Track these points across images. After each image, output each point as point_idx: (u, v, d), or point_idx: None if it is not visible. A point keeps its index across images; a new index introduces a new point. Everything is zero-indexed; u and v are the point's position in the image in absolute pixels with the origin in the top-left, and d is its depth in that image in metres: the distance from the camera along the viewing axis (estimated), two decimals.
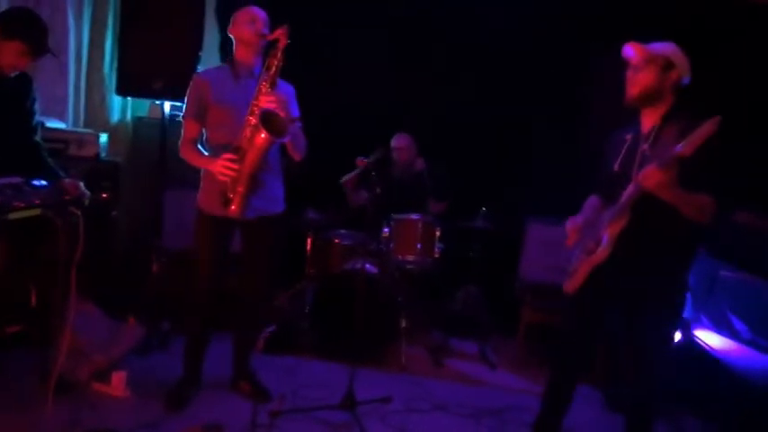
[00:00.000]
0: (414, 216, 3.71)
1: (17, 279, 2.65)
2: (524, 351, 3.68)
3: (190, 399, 2.72)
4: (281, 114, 2.42)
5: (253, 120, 2.42)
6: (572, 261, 2.35)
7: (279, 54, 2.43)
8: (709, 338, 2.93)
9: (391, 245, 3.69)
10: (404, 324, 3.41)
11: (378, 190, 3.19)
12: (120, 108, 4.11)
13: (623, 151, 2.24)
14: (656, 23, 3.46)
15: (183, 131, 2.63)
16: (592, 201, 2.43)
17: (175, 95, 3.43)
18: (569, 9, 4.02)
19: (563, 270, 2.39)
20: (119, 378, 2.74)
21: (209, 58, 3.97)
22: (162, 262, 3.55)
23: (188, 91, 2.61)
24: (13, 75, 2.54)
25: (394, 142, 4.06)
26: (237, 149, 2.44)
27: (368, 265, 3.37)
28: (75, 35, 3.76)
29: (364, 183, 3.61)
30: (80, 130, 3.71)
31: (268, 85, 2.43)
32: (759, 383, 2.52)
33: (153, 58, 3.43)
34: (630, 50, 2.16)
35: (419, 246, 3.66)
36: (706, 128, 1.87)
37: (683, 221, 2.03)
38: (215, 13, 4.25)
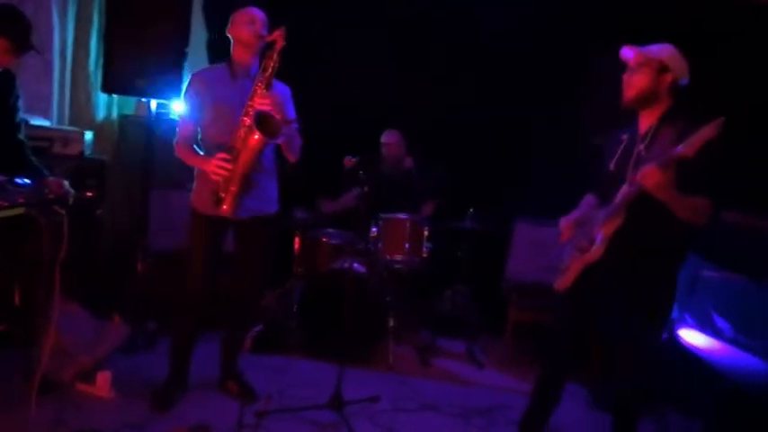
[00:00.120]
0: (402, 215, 3.71)
1: (0, 278, 2.61)
2: (512, 350, 3.70)
3: (176, 399, 2.70)
4: (276, 116, 2.42)
5: (247, 120, 2.42)
6: (564, 259, 2.37)
7: (275, 56, 2.42)
8: (693, 337, 2.97)
9: (379, 244, 3.69)
10: (392, 323, 3.42)
11: (365, 189, 3.19)
12: (105, 106, 4.07)
13: (619, 151, 2.26)
14: (655, 24, 3.50)
15: (178, 130, 2.62)
16: (588, 199, 2.45)
17: (162, 93, 3.41)
18: (565, 9, 4.04)
19: (553, 269, 2.40)
20: (103, 378, 2.72)
21: (195, 56, 3.95)
22: (147, 261, 3.52)
23: (185, 89, 2.61)
24: None
25: (384, 138, 4.08)
26: (231, 149, 2.44)
27: (356, 265, 3.37)
28: (60, 32, 3.72)
29: (352, 182, 3.61)
30: (65, 127, 3.67)
31: (263, 87, 2.43)
32: (741, 381, 2.55)
33: (139, 55, 3.39)
34: (627, 53, 2.18)
35: (407, 245, 3.66)
36: (708, 130, 1.88)
37: (677, 223, 2.05)
38: (202, 10, 4.23)
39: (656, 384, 2.40)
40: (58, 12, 3.68)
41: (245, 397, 2.76)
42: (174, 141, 2.62)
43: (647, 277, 2.16)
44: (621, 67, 2.22)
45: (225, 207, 2.46)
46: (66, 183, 2.51)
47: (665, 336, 2.96)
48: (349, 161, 3.25)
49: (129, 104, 4.13)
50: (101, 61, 3.72)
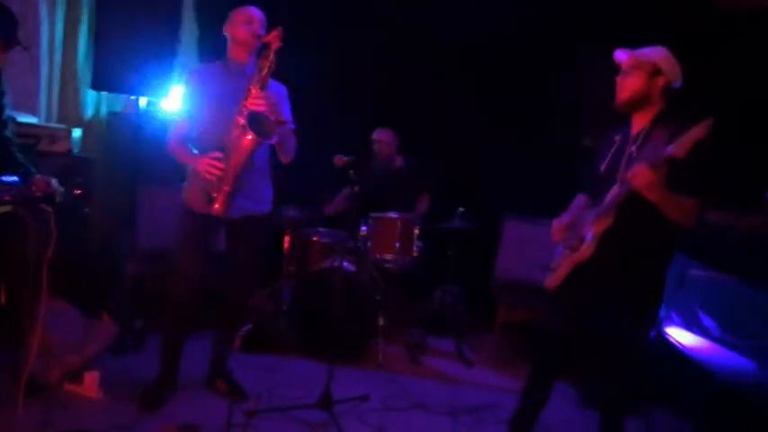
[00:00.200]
0: (393, 215, 3.71)
1: None
2: (501, 349, 3.71)
3: (165, 399, 2.69)
4: (269, 116, 2.42)
5: (241, 120, 2.41)
6: (555, 258, 2.38)
7: (271, 56, 2.42)
8: (680, 335, 2.99)
9: (369, 243, 3.69)
10: (381, 322, 3.42)
11: (356, 188, 3.19)
12: (94, 103, 4.04)
13: (611, 152, 2.28)
14: (642, 24, 3.52)
15: (172, 126, 2.62)
16: (579, 199, 2.47)
17: (152, 91, 3.39)
18: (556, 9, 4.06)
19: (542, 267, 2.42)
20: (91, 378, 2.70)
21: (186, 53, 3.93)
22: (136, 260, 3.50)
23: (181, 86, 2.60)
24: None
25: (375, 135, 4.08)
26: (224, 149, 2.44)
27: (346, 264, 3.37)
28: (48, 28, 3.68)
29: (344, 181, 3.61)
30: (53, 125, 3.64)
31: (258, 87, 2.42)
32: (727, 380, 2.58)
33: (129, 52, 3.37)
34: (620, 55, 2.19)
35: (398, 244, 3.66)
36: (697, 130, 1.90)
37: (666, 223, 2.07)
38: (193, 6, 4.20)
39: (643, 383, 2.42)
40: (46, 7, 3.64)
41: (234, 396, 2.75)
42: (168, 138, 2.60)
43: (635, 276, 2.18)
44: (613, 68, 2.24)
45: (217, 206, 2.46)
46: (53, 180, 2.49)
47: (652, 334, 2.98)
48: (340, 160, 3.24)
49: (118, 102, 4.09)
50: (90, 58, 3.70)
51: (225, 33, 2.58)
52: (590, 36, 3.87)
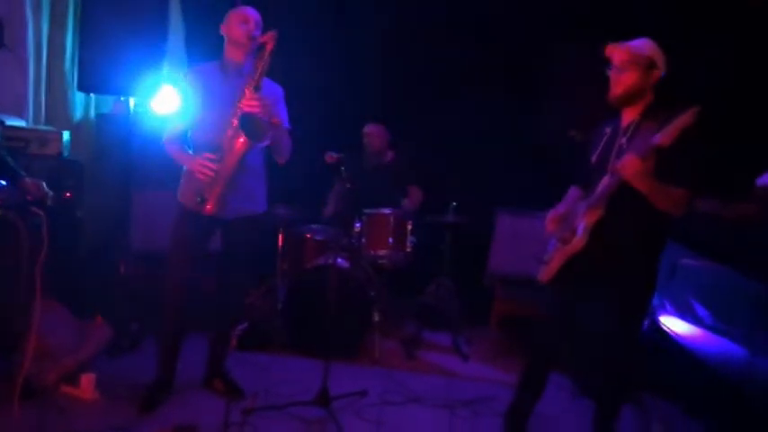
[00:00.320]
0: (386, 210, 3.72)
1: None
2: (496, 342, 3.73)
3: (162, 401, 2.68)
4: (263, 118, 2.41)
5: (235, 122, 2.41)
6: (548, 250, 2.40)
7: (266, 57, 2.42)
8: (673, 324, 3.02)
9: (363, 239, 3.70)
10: (377, 318, 3.43)
11: (348, 185, 3.19)
12: (82, 105, 4.01)
13: (602, 144, 2.29)
14: (628, 18, 3.54)
15: (168, 125, 2.63)
16: (572, 192, 2.48)
17: (140, 91, 3.37)
18: (543, 2, 4.06)
19: (536, 260, 2.43)
20: (87, 380, 2.69)
21: (174, 53, 3.91)
22: (129, 262, 3.49)
23: (171, 86, 2.60)
24: None
25: (366, 128, 4.09)
26: (218, 150, 2.44)
27: (340, 260, 3.37)
28: (34, 29, 3.64)
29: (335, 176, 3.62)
30: (41, 127, 3.60)
31: (252, 88, 2.42)
32: (720, 367, 2.61)
33: (115, 52, 3.34)
34: (613, 51, 2.19)
35: (391, 240, 3.67)
36: (684, 118, 1.92)
37: (656, 213, 2.09)
38: (180, 6, 4.18)
39: (637, 372, 2.44)
40: (31, 7, 3.60)
41: (231, 395, 2.75)
42: (164, 137, 2.61)
43: (628, 266, 2.20)
44: (602, 61, 2.24)
45: (208, 207, 2.47)
46: (43, 184, 2.48)
47: (646, 323, 3.01)
48: (331, 157, 3.25)
49: (107, 103, 4.07)
50: (77, 59, 3.67)
51: (222, 33, 2.58)
52: (579, 30, 3.88)
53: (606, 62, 2.23)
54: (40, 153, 3.33)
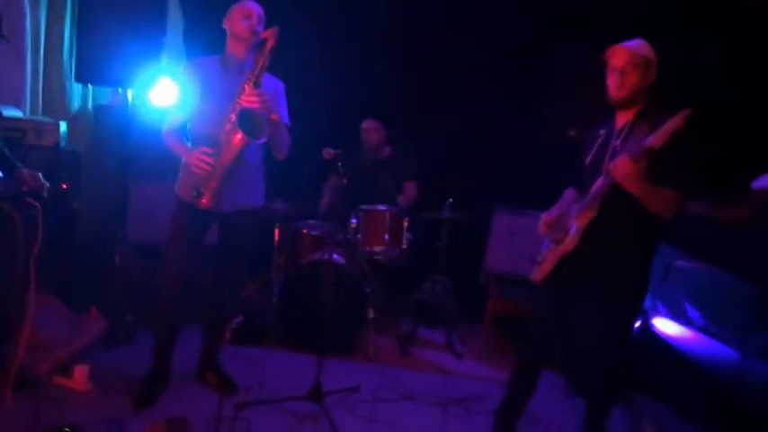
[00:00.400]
0: (382, 207, 3.72)
1: None
2: (491, 340, 3.75)
3: (159, 395, 2.68)
4: (262, 115, 2.41)
5: (233, 117, 2.41)
6: (541, 251, 2.41)
7: (266, 53, 2.41)
8: (665, 325, 3.04)
9: (359, 236, 3.70)
10: (371, 314, 3.43)
11: (344, 181, 3.19)
12: (80, 96, 4.00)
13: (596, 146, 2.30)
14: (626, 18, 3.53)
15: (168, 117, 2.62)
16: (568, 194, 2.49)
17: (138, 83, 3.36)
18: (529, 2, 4.06)
19: (531, 261, 2.44)
20: (81, 372, 2.70)
21: (172, 45, 3.89)
22: (126, 254, 3.49)
23: (170, 78, 2.59)
24: None
25: (364, 124, 4.10)
26: (215, 144, 2.44)
27: (335, 256, 3.37)
28: (32, 19, 3.63)
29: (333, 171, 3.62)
30: (38, 118, 3.60)
31: (251, 84, 2.41)
32: (711, 369, 2.62)
33: (113, 44, 3.33)
34: (614, 54, 2.18)
35: (387, 237, 3.68)
36: (675, 121, 1.93)
37: (648, 215, 2.10)
38: None
39: (628, 372, 2.46)
40: None
41: (224, 389, 2.77)
42: (164, 128, 2.61)
43: (620, 268, 2.21)
44: (601, 61, 2.24)
45: (204, 201, 2.46)
46: (40, 175, 2.48)
47: (639, 324, 3.02)
48: (328, 153, 3.25)
49: (105, 94, 4.06)
50: (75, 50, 3.65)
51: (224, 27, 2.57)
52: (578, 29, 3.88)
53: (603, 64, 2.23)
54: (36, 144, 3.33)
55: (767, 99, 3.45)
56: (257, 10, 2.54)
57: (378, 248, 3.69)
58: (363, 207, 3.72)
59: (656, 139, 1.95)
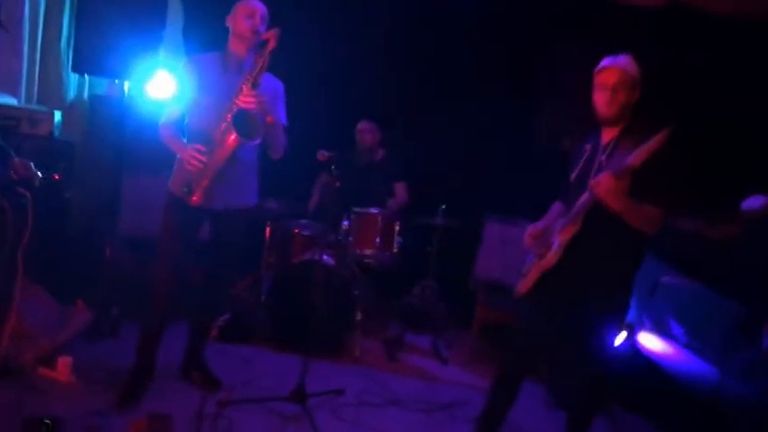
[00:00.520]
0: (374, 210, 3.73)
1: None
2: (477, 348, 3.75)
3: (144, 392, 2.65)
4: (258, 116, 2.41)
5: (229, 117, 2.41)
6: (526, 263, 2.42)
7: (266, 54, 2.41)
8: (649, 341, 3.06)
9: (350, 238, 3.71)
10: (359, 317, 3.44)
11: (337, 183, 3.20)
12: (76, 86, 3.98)
13: (581, 161, 2.31)
14: (620, 29, 3.55)
15: (165, 110, 2.62)
16: (556, 207, 2.50)
17: (135, 75, 3.35)
18: (537, 9, 4.08)
19: (518, 270, 2.46)
20: (64, 363, 2.69)
21: (171, 39, 3.89)
22: (116, 246, 3.48)
23: (170, 72, 2.58)
24: None
25: (359, 126, 4.12)
26: (210, 142, 2.44)
27: (325, 257, 3.37)
28: (30, 8, 3.62)
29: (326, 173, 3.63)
30: (33, 107, 3.58)
31: (249, 85, 2.41)
32: (691, 385, 2.64)
33: (112, 34, 3.32)
34: (605, 71, 2.19)
35: (378, 240, 3.69)
36: (656, 139, 1.95)
37: (631, 231, 2.12)
38: None
39: (609, 385, 2.47)
40: None
41: (208, 386, 2.76)
42: (161, 121, 2.60)
43: (601, 282, 2.23)
44: (579, 69, 2.26)
45: (194, 198, 2.47)
46: (31, 164, 2.46)
47: (624, 338, 3.04)
48: (322, 155, 3.25)
49: (102, 85, 4.04)
50: (73, 39, 3.64)
51: (227, 25, 2.57)
52: (574, 38, 3.90)
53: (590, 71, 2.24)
54: (31, 133, 3.31)
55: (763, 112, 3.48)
56: (261, 9, 2.54)
57: (368, 251, 3.70)
58: (356, 210, 3.73)
59: (635, 158, 1.98)
